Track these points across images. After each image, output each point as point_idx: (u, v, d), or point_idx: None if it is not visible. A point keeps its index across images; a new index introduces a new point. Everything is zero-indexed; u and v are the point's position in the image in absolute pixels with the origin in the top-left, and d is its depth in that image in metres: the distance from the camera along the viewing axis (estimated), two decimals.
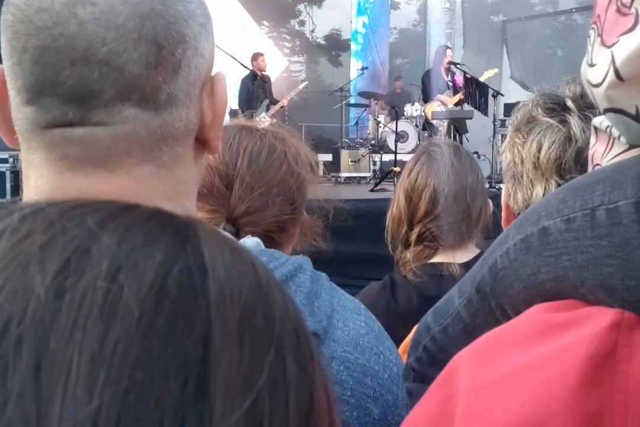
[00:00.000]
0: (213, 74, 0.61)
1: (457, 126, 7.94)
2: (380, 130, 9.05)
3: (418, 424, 0.51)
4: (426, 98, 8.54)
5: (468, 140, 8.20)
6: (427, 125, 8.49)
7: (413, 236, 1.59)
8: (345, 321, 0.69)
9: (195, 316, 0.23)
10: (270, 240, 0.96)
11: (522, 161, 0.98)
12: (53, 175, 0.54)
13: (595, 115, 0.91)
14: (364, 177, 8.45)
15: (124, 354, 0.22)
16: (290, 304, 0.28)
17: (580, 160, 0.93)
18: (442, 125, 7.98)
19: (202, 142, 0.61)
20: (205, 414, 0.22)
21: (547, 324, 0.46)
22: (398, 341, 1.21)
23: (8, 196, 5.57)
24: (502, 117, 8.63)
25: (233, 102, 8.52)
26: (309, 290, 0.66)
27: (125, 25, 0.51)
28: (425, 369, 0.69)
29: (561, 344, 0.43)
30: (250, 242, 0.67)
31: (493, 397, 0.44)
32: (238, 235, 0.93)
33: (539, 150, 0.96)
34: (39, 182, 0.54)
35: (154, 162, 0.55)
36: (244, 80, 8.74)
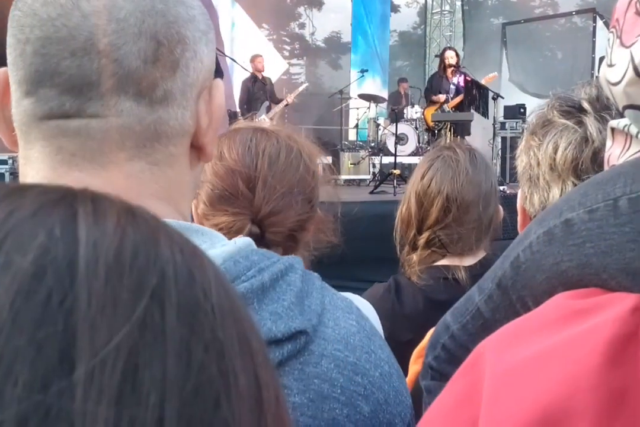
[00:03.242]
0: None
1: (457, 128, 7.95)
2: (380, 132, 9.06)
3: (445, 408, 0.53)
4: (427, 101, 8.58)
5: (467, 142, 8.22)
6: (426, 130, 8.51)
7: (421, 241, 1.58)
8: (336, 319, 0.69)
9: (65, 291, 0.24)
10: (293, 239, 0.98)
11: (539, 163, 0.99)
12: (48, 171, 0.54)
13: (612, 117, 0.92)
14: (364, 180, 8.47)
15: None
16: (185, 259, 0.27)
17: (597, 161, 0.94)
18: (444, 128, 7.98)
19: (197, 149, 0.61)
20: (71, 379, 0.22)
21: (570, 309, 0.49)
22: (403, 344, 1.21)
23: None
24: (501, 119, 8.65)
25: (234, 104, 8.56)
26: (300, 289, 0.66)
27: (126, 19, 0.52)
28: (444, 366, 0.71)
29: (585, 327, 0.46)
30: (242, 242, 0.67)
31: (520, 378, 0.46)
32: (263, 236, 0.95)
33: (555, 151, 0.97)
34: (35, 179, 0.55)
35: (146, 159, 0.56)
36: (244, 82, 8.80)
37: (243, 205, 0.95)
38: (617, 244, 0.48)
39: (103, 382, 0.23)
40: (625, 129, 0.58)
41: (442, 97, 8.27)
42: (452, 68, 8.25)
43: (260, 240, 0.95)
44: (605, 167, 0.63)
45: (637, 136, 0.56)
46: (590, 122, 0.96)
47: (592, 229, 0.50)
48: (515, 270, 0.58)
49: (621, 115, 0.92)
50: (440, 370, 0.72)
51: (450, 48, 9.03)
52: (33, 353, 0.22)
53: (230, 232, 0.94)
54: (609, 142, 0.62)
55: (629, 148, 0.58)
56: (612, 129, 0.61)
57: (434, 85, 8.44)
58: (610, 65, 0.56)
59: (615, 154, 0.60)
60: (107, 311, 0.24)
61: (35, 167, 0.55)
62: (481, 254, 1.59)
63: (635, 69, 0.51)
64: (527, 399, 0.44)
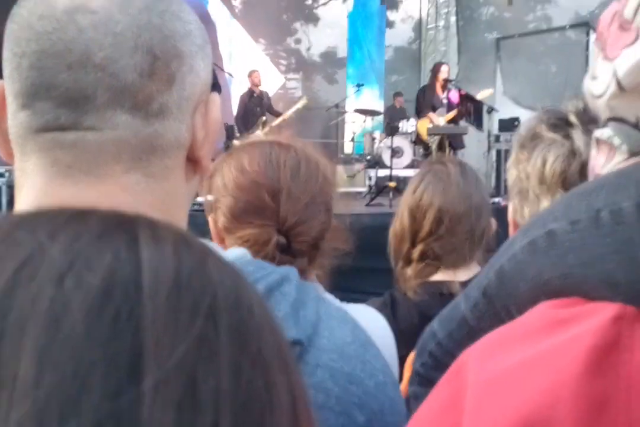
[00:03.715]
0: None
1: (453, 142, 7.99)
2: (375, 146, 9.09)
3: (427, 417, 0.52)
4: (419, 114, 8.59)
5: (463, 156, 8.25)
6: (418, 142, 8.54)
7: (415, 254, 1.59)
8: (331, 329, 0.70)
9: (131, 308, 0.26)
10: (316, 248, 1.00)
11: (528, 177, 1.00)
12: (43, 184, 0.54)
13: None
14: (360, 192, 8.48)
15: (69, 353, 0.24)
16: (232, 283, 0.30)
17: (585, 174, 0.94)
18: (433, 142, 8.01)
19: (193, 162, 0.61)
20: (140, 390, 0.24)
21: (553, 319, 0.49)
22: (398, 360, 1.21)
23: (3, 210, 5.56)
24: (496, 132, 8.68)
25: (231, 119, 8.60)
26: (295, 299, 0.67)
27: (122, 33, 0.52)
28: (431, 373, 0.71)
29: (567, 337, 0.46)
30: (238, 252, 0.68)
31: (502, 387, 0.46)
32: (290, 246, 0.96)
33: (544, 165, 0.98)
34: (30, 191, 0.55)
35: (142, 171, 0.56)
36: (241, 97, 8.86)
37: (269, 216, 0.95)
38: (599, 256, 0.48)
39: (167, 393, 0.25)
40: (609, 140, 0.58)
41: (435, 116, 8.29)
42: (446, 82, 8.30)
43: (287, 250, 0.96)
44: (590, 176, 0.63)
45: (620, 147, 0.57)
46: (578, 136, 0.97)
47: (574, 240, 0.50)
48: (499, 279, 0.58)
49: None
50: (428, 376, 0.72)
51: (444, 63, 9.09)
52: (105, 366, 0.24)
53: (257, 244, 0.95)
54: (593, 151, 0.63)
55: (612, 158, 0.58)
56: (597, 139, 0.62)
57: (427, 99, 8.46)
58: (594, 78, 0.56)
59: (600, 163, 0.60)
60: (169, 328, 0.26)
61: (30, 179, 0.55)
62: (475, 268, 1.60)
63: (618, 82, 0.51)
64: (509, 408, 0.45)
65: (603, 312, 0.46)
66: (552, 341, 0.47)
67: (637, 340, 0.44)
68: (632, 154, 0.56)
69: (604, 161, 0.59)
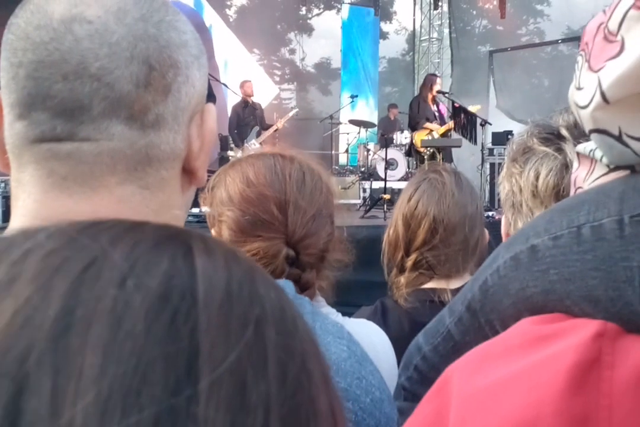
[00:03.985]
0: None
1: (443, 155, 8.00)
2: (370, 157, 9.11)
3: None
4: (412, 124, 8.61)
5: (456, 169, 8.26)
6: (413, 153, 8.56)
7: (409, 263, 1.58)
8: (327, 345, 0.70)
9: (188, 312, 0.28)
10: (322, 259, 1.00)
11: (521, 190, 1.00)
12: (39, 195, 0.54)
13: None
14: (354, 204, 8.48)
15: (130, 349, 0.26)
16: (277, 296, 0.32)
17: None
18: (426, 153, 8.04)
19: (189, 173, 0.61)
20: (196, 387, 0.26)
21: (535, 335, 0.49)
22: None
23: (0, 221, 5.49)
24: (490, 145, 8.72)
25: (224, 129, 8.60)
26: None
27: (118, 44, 0.52)
28: (416, 387, 0.71)
29: (549, 353, 0.46)
30: None
31: (485, 403, 0.47)
32: (298, 258, 0.95)
33: (537, 178, 0.98)
34: (26, 202, 0.55)
35: (137, 183, 0.56)
36: (234, 107, 8.85)
37: (277, 229, 0.95)
38: (580, 272, 0.49)
39: (221, 394, 0.27)
40: (591, 153, 0.58)
41: (434, 125, 8.32)
42: (436, 95, 8.34)
43: (296, 262, 0.96)
44: (572, 188, 0.63)
45: (601, 160, 0.57)
46: (570, 149, 0.97)
47: (556, 255, 0.51)
48: (483, 293, 0.59)
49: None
50: (413, 391, 0.71)
51: (437, 75, 9.13)
52: (164, 363, 0.26)
53: (266, 257, 0.94)
54: (575, 164, 0.63)
55: (593, 172, 0.59)
56: (578, 153, 0.62)
57: (421, 110, 8.47)
58: (579, 89, 0.56)
59: (581, 176, 0.61)
60: (222, 334, 0.28)
61: (26, 190, 0.55)
62: (467, 278, 1.59)
63: (602, 94, 0.51)
64: (491, 424, 0.45)
65: (584, 329, 0.46)
66: (534, 357, 0.47)
67: (618, 357, 0.44)
68: (612, 168, 0.56)
69: (585, 174, 0.60)
